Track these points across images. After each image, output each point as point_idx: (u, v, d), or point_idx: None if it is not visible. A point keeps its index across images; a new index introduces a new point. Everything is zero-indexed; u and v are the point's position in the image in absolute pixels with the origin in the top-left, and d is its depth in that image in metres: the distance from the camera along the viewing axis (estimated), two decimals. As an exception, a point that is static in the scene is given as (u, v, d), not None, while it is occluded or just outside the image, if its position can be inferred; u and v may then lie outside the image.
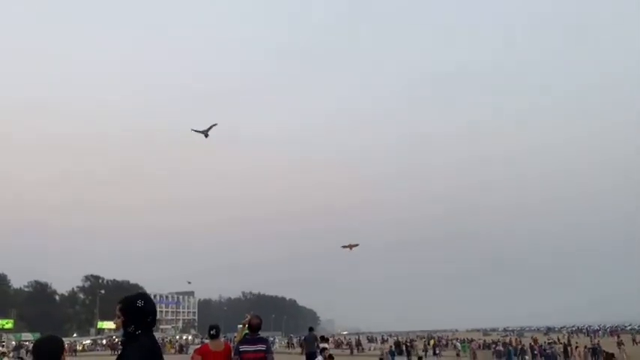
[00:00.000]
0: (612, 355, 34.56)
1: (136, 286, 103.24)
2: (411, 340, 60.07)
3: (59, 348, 3.23)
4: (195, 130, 28.39)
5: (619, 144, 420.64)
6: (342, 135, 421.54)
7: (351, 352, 47.59)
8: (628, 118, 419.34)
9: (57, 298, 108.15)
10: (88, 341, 71.25)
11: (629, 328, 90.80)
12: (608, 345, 43.12)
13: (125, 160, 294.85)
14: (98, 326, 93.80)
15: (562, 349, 39.01)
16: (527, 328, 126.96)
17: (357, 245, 35.29)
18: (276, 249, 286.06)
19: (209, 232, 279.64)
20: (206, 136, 28.57)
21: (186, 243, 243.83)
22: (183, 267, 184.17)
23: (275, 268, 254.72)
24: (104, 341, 64.76)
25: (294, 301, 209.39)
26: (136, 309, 3.16)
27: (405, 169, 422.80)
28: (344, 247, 35.23)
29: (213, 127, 29.03)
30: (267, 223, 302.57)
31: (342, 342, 61.05)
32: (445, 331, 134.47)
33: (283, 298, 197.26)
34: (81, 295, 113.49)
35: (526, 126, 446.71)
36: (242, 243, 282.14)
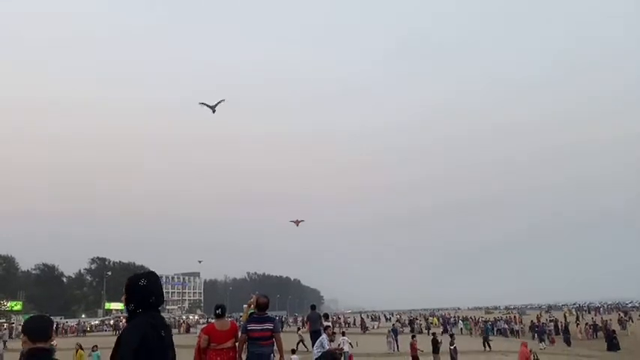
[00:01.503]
0: (614, 331, 34.93)
1: (141, 267, 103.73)
2: (425, 318, 61.02)
3: (48, 326, 3.14)
4: (203, 104, 28.33)
5: None
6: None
7: (364, 331, 48.22)
8: None
9: (64, 280, 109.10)
10: (97, 322, 72.06)
11: (629, 305, 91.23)
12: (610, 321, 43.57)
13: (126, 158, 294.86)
14: (106, 307, 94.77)
15: (563, 327, 39.35)
16: (529, 306, 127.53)
17: (302, 221, 35.75)
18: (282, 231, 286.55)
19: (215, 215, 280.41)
20: (213, 111, 28.48)
21: (192, 226, 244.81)
22: (189, 249, 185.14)
23: (280, 249, 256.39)
24: (112, 321, 65.46)
25: (299, 281, 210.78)
26: (138, 287, 3.10)
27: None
28: (292, 221, 35.68)
29: (221, 103, 28.98)
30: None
31: (345, 321, 61.61)
32: (447, 309, 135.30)
33: (288, 279, 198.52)
34: (88, 277, 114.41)
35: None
36: (247, 225, 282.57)
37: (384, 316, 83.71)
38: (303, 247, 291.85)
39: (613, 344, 31.29)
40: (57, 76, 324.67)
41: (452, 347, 18.67)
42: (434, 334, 25.81)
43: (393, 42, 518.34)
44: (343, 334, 23.50)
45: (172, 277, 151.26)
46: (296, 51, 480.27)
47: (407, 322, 56.14)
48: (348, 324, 58.91)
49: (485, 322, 46.95)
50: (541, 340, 36.79)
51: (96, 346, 20.17)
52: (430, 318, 63.33)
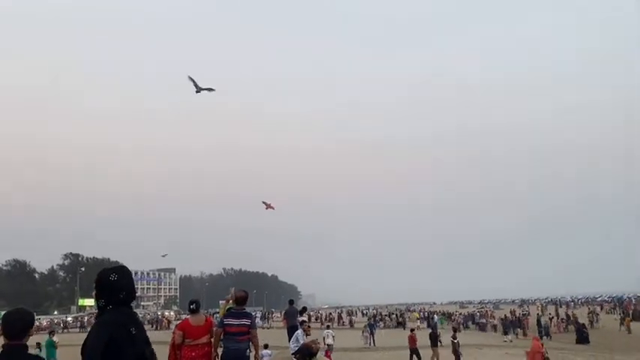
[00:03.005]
0: (583, 324, 35.79)
1: (116, 263, 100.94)
2: (402, 313, 61.54)
3: (29, 321, 3.04)
4: (192, 80, 27.22)
5: None
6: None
7: (351, 325, 48.49)
8: None
9: (36, 276, 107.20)
10: (70, 318, 70.94)
11: (599, 299, 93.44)
12: (581, 315, 44.67)
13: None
14: (79, 303, 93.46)
15: (537, 320, 40.09)
16: (502, 301, 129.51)
17: (273, 208, 35.32)
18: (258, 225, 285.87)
19: (193, 209, 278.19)
20: (197, 91, 27.32)
21: (167, 221, 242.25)
22: (166, 245, 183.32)
23: (256, 244, 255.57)
24: (86, 318, 64.49)
25: (276, 276, 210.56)
26: (108, 283, 2.97)
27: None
28: (264, 202, 35.04)
29: (209, 91, 27.93)
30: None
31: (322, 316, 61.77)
32: (423, 303, 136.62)
33: (265, 274, 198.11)
34: (61, 273, 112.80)
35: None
36: (224, 220, 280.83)
37: (361, 311, 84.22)
38: (281, 243, 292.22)
39: (583, 337, 32.06)
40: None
41: (455, 341, 18.79)
42: (433, 328, 25.99)
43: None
44: (328, 327, 23.64)
45: (148, 273, 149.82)
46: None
47: (383, 316, 56.70)
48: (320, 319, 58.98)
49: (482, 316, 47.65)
50: (506, 333, 37.43)
51: (53, 331, 19.68)
52: (408, 313, 63.85)
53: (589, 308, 57.45)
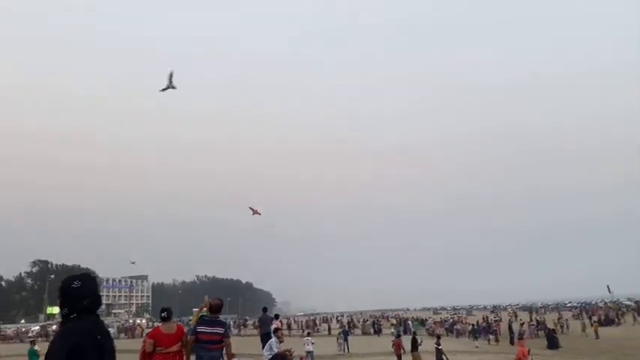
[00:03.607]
0: (553, 330, 36.49)
1: (86, 270, 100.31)
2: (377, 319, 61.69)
3: None
4: (167, 88, 25.74)
5: None
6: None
7: (329, 332, 48.30)
8: None
9: (3, 284, 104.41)
10: (37, 327, 69.13)
11: (568, 305, 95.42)
12: (550, 321, 45.57)
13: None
14: (48, 312, 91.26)
15: (508, 326, 40.66)
16: (475, 307, 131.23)
17: (259, 214, 35.24)
18: (233, 232, 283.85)
19: (165, 216, 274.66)
20: (166, 89, 25.81)
21: (139, 227, 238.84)
22: (137, 251, 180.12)
23: (231, 251, 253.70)
24: (54, 327, 62.83)
25: (251, 284, 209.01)
26: (71, 290, 2.90)
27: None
28: (250, 208, 34.91)
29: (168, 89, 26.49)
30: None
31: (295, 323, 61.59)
32: (397, 310, 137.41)
33: (239, 281, 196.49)
34: (29, 281, 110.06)
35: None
36: (197, 228, 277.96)
37: (336, 318, 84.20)
38: (256, 249, 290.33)
39: (553, 342, 32.70)
40: None
41: (439, 347, 18.95)
42: (414, 333, 26.11)
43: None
44: (308, 334, 23.68)
45: (119, 280, 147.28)
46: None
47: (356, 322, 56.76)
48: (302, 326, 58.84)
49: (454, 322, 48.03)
50: (476, 338, 37.90)
51: (34, 340, 19.81)
52: (382, 320, 64.04)
53: (558, 314, 58.62)
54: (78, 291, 2.91)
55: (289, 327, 53.09)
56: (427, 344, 21.52)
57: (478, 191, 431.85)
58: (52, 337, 3.01)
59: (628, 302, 71.61)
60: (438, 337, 21.60)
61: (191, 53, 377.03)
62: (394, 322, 56.95)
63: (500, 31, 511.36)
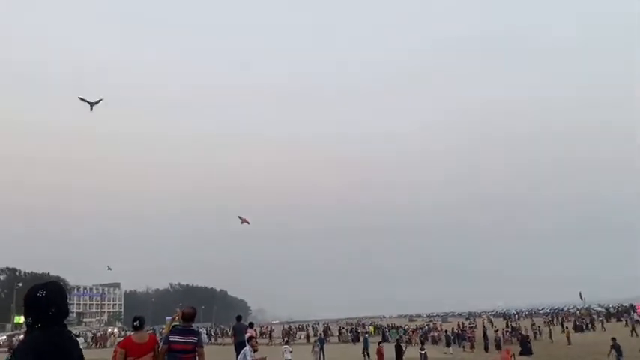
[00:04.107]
0: (527, 336, 36.97)
1: (56, 278, 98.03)
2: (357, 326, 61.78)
3: None
4: (83, 99, 27.75)
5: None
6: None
7: (307, 340, 48.00)
8: None
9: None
10: (4, 336, 67.06)
11: (541, 311, 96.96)
12: (524, 327, 46.18)
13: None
14: (15, 321, 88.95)
15: (482, 333, 41.07)
16: (450, 314, 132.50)
17: (248, 223, 36.05)
18: (208, 240, 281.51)
19: (138, 223, 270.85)
20: (91, 108, 28.19)
21: (112, 234, 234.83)
22: (110, 258, 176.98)
23: (205, 258, 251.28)
24: (21, 336, 61.07)
25: (225, 292, 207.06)
26: (36, 299, 2.81)
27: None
28: (240, 217, 35.66)
29: (100, 102, 28.64)
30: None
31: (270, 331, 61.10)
32: (373, 317, 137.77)
33: (213, 289, 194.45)
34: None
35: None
36: (171, 235, 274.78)
37: (312, 326, 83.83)
38: (231, 257, 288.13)
39: (527, 349, 33.12)
40: None
41: (422, 352, 19.02)
42: (398, 340, 26.15)
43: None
44: (286, 342, 23.62)
45: (90, 288, 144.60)
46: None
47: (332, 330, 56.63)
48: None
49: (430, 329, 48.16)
50: (448, 345, 38.12)
51: (13, 349, 18.93)
52: (360, 327, 64.05)
53: (532, 320, 59.51)
54: (43, 300, 2.80)
55: (270, 336, 52.63)
56: (410, 351, 21.56)
57: (447, 198, 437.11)
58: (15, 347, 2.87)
59: (599, 308, 73.14)
60: (422, 342, 21.76)
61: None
62: (372, 329, 57.18)
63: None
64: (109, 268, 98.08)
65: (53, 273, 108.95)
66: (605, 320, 52.33)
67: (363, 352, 27.59)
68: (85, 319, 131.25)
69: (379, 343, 21.74)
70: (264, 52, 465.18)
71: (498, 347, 36.29)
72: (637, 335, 35.02)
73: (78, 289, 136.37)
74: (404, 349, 19.89)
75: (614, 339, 25.32)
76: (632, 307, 56.81)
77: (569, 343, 36.98)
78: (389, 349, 21.32)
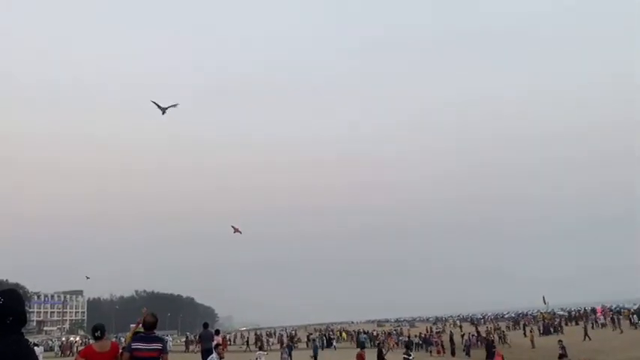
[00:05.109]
0: (492, 341, 37.42)
1: (15, 285, 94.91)
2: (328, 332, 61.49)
3: None
4: (155, 103, 27.60)
5: None
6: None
7: (281, 346, 47.29)
8: None
9: None
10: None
11: (506, 315, 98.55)
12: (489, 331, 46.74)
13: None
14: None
15: (449, 337, 41.43)
16: (418, 319, 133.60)
17: (240, 232, 36.43)
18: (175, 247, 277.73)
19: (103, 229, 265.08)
20: (163, 113, 28.09)
21: (76, 239, 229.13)
22: (71, 265, 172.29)
23: (172, 265, 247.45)
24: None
25: (192, 299, 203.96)
26: None
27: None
28: (232, 226, 35.93)
29: (174, 107, 28.70)
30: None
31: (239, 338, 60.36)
32: (342, 323, 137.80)
33: (180, 296, 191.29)
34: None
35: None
36: (137, 241, 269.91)
37: (279, 332, 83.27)
38: (199, 264, 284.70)
39: (492, 353, 33.43)
40: None
41: (410, 358, 18.93)
42: (379, 344, 26.14)
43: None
44: (260, 348, 23.47)
45: (52, 296, 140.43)
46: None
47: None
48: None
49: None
50: (409, 349, 38.36)
51: None
52: (330, 332, 63.89)
53: (495, 325, 60.40)
54: (0, 309, 2.71)
55: (248, 343, 51.68)
56: (391, 356, 21.54)
57: (421, 203, 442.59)
58: None
59: (562, 312, 74.73)
60: (407, 346, 21.81)
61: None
62: (344, 335, 57.21)
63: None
64: (88, 278, 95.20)
65: (12, 280, 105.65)
66: (565, 324, 53.43)
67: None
68: (45, 328, 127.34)
69: (361, 348, 21.65)
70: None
71: (467, 353, 36.72)
72: (590, 339, 35.97)
73: (38, 297, 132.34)
74: (385, 353, 19.94)
75: (560, 341, 26.35)
76: (594, 311, 58.19)
77: (533, 347, 37.62)
78: (370, 356, 21.22)
